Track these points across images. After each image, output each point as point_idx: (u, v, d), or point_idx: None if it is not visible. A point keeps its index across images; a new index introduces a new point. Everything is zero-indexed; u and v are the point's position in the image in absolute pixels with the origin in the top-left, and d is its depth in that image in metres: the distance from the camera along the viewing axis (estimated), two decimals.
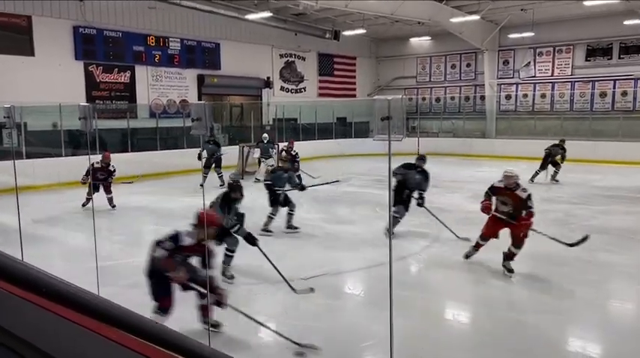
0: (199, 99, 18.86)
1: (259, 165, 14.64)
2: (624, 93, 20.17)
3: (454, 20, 18.91)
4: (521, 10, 19.18)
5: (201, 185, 11.53)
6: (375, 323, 4.73)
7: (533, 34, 20.30)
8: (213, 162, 13.26)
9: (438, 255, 7.33)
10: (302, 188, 9.03)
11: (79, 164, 12.56)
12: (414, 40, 24.28)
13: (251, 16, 17.62)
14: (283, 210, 8.68)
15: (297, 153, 12.64)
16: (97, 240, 5.51)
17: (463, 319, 5.40)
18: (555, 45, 21.45)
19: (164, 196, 12.08)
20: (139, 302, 5.27)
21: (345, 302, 5.78)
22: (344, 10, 17.39)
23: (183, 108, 18.13)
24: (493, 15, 20.20)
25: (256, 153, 14.94)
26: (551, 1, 18.12)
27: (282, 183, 8.69)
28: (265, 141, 14.81)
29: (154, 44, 17.57)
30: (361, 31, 21.19)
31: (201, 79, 19.04)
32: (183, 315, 4.51)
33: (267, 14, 17.10)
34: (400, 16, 18.48)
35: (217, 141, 13.93)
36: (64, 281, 0.88)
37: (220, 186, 12.03)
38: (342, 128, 23.32)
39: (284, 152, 12.64)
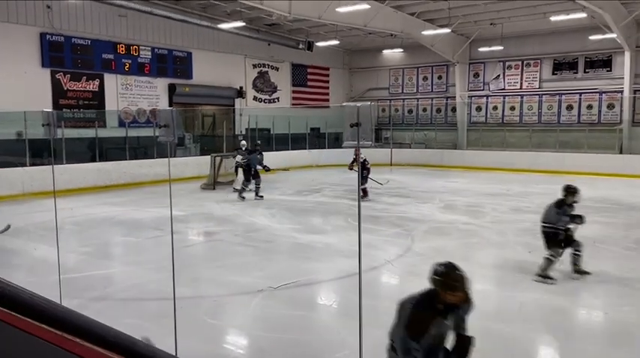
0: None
1: (237, 174, 14.47)
2: (589, 107, 20.78)
3: (426, 33, 19.23)
4: (491, 24, 19.65)
5: (242, 197, 12.59)
6: (348, 334, 4.67)
7: (502, 47, 20.82)
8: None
9: (410, 264, 7.34)
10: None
11: (44, 174, 12.31)
12: (386, 52, 24.58)
13: (224, 26, 17.55)
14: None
15: (365, 159, 12.55)
16: (63, 252, 5.32)
17: None
18: (524, 59, 22.01)
19: (133, 207, 11.83)
20: (107, 314, 5.12)
21: (318, 313, 5.72)
22: (317, 22, 17.49)
23: (153, 117, 17.86)
24: (463, 29, 20.62)
25: (237, 158, 14.58)
26: (519, 16, 18.61)
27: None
28: (243, 148, 14.65)
29: (124, 52, 17.30)
30: (334, 42, 21.34)
31: (172, 88, 18.82)
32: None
33: (240, 24, 17.06)
34: (373, 28, 18.68)
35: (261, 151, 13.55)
36: (25, 290, 0.82)
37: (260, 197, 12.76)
38: (316, 138, 23.36)
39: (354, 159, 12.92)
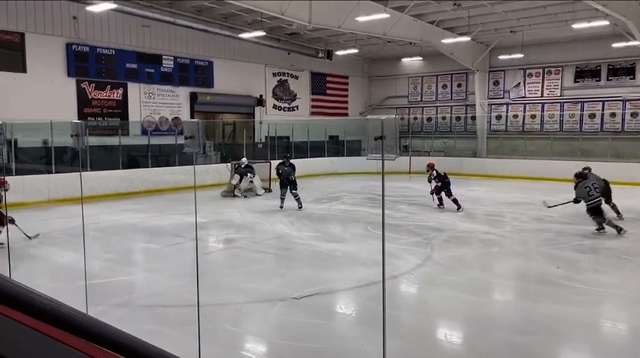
0: (192, 116, 18.91)
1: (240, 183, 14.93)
2: (613, 115, 20.47)
3: (445, 41, 19.18)
4: (511, 32, 19.53)
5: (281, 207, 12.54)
6: (367, 344, 4.68)
7: (522, 55, 20.66)
8: (287, 183, 12.86)
9: (429, 273, 7.31)
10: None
11: (68, 181, 12.59)
12: (405, 60, 24.57)
13: (245, 35, 17.77)
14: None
15: (445, 174, 12.61)
16: (87, 259, 5.44)
17: (455, 339, 5.37)
18: (545, 66, 21.79)
19: (155, 213, 12.01)
20: (129, 320, 5.22)
21: (337, 322, 5.73)
22: (337, 31, 17.60)
23: (175, 126, 18.13)
24: (483, 36, 20.53)
25: (235, 179, 14.90)
26: (540, 24, 18.47)
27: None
28: (243, 166, 14.91)
29: (147, 62, 17.64)
30: (354, 50, 21.43)
31: (194, 97, 19.10)
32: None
33: (260, 33, 17.25)
34: (392, 37, 18.72)
35: (293, 164, 13.22)
36: (55, 301, 0.87)
37: (299, 208, 12.48)
38: (335, 146, 23.43)
39: (435, 172, 12.61)
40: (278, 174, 12.97)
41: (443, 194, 12.50)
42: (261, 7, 14.87)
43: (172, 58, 18.39)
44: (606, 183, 10.52)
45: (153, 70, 17.87)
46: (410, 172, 21.78)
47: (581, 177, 9.88)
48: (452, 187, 12.50)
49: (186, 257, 7.90)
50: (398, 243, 8.71)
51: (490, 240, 9.39)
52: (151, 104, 17.99)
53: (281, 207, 12.52)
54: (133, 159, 16.57)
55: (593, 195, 9.39)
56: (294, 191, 12.68)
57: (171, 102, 18.56)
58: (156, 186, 15.17)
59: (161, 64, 18.10)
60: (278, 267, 7.59)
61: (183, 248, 8.67)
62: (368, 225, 10.46)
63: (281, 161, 13.32)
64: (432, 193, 12.68)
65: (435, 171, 12.65)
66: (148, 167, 16.16)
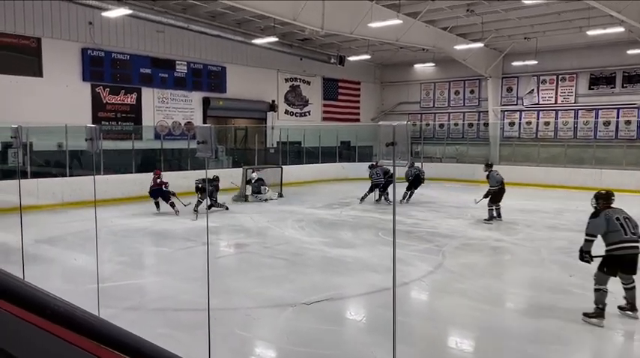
0: (204, 121, 19.02)
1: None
2: (628, 122, 20.23)
3: (458, 47, 19.13)
4: (525, 38, 19.42)
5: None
6: (378, 350, 4.66)
7: (536, 62, 20.53)
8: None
9: (440, 281, 7.26)
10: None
11: (81, 184, 12.72)
12: (418, 66, 24.53)
13: (257, 41, 17.87)
14: None
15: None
16: (99, 262, 5.49)
17: (466, 347, 5.32)
18: (559, 73, 21.62)
19: (166, 217, 12.08)
20: (140, 324, 5.24)
21: (347, 328, 5.71)
22: (349, 37, 17.63)
23: (188, 131, 18.25)
24: (497, 43, 20.44)
25: (248, 190, 15.11)
26: (554, 30, 18.34)
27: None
28: (254, 181, 15.12)
29: (160, 67, 17.80)
30: (366, 56, 21.44)
31: (206, 102, 19.22)
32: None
33: (273, 39, 17.34)
34: (405, 43, 18.71)
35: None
36: (68, 304, 0.88)
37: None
38: (346, 151, 23.43)
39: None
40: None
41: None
42: (274, 12, 14.96)
43: (186, 63, 18.54)
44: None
45: (166, 75, 18.03)
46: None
47: (605, 200, 5.87)
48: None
49: (196, 261, 7.94)
50: (409, 250, 8.67)
51: (502, 248, 9.31)
52: (164, 109, 18.14)
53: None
54: (146, 162, 16.68)
55: (626, 236, 5.45)
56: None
57: (184, 107, 18.70)
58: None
59: (175, 69, 18.26)
60: (288, 272, 7.59)
61: (194, 252, 8.72)
62: (379, 231, 10.43)
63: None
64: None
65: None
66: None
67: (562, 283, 6.86)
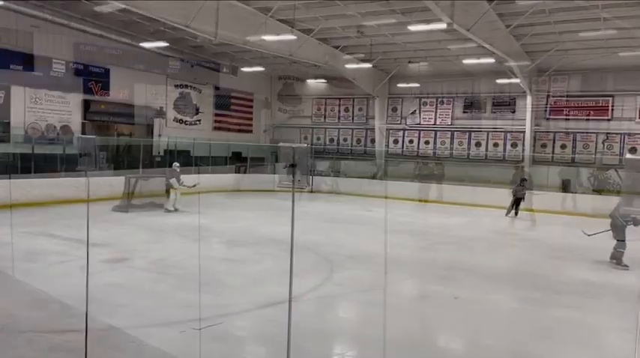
0: (83, 126, 17.71)
1: (168, 195, 14.28)
2: (496, 144, 22.37)
3: (348, 66, 19.86)
4: (409, 62, 20.71)
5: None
6: None
7: (419, 85, 22.01)
8: None
9: (329, 295, 7.36)
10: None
11: None
12: (310, 82, 25.05)
13: (146, 44, 17.09)
14: None
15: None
16: None
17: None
18: (438, 96, 23.39)
19: (38, 228, 10.98)
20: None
21: (238, 347, 5.56)
22: (243, 47, 17.52)
23: (64, 134, 16.85)
24: (384, 64, 21.56)
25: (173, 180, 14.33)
26: (434, 57, 19.79)
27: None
28: (178, 169, 14.61)
29: (34, 64, 16.28)
30: (260, 68, 21.46)
31: (87, 105, 17.91)
32: None
33: (162, 44, 16.69)
34: (298, 58, 19.02)
35: None
36: None
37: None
38: (238, 163, 23.09)
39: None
40: None
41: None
42: (165, 17, 14.41)
43: (64, 62, 17.15)
44: None
45: (41, 74, 16.53)
46: (312, 191, 22.05)
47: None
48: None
49: (73, 279, 7.29)
50: (297, 263, 8.69)
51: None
52: (37, 110, 16.59)
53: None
54: (13, 167, 15.06)
55: None
56: None
57: (60, 109, 17.25)
58: (39, 199, 13.88)
59: (51, 67, 16.80)
60: (171, 290, 7.23)
61: (70, 268, 8.00)
62: (273, 244, 10.37)
63: None
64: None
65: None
66: (31, 177, 14.77)
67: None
